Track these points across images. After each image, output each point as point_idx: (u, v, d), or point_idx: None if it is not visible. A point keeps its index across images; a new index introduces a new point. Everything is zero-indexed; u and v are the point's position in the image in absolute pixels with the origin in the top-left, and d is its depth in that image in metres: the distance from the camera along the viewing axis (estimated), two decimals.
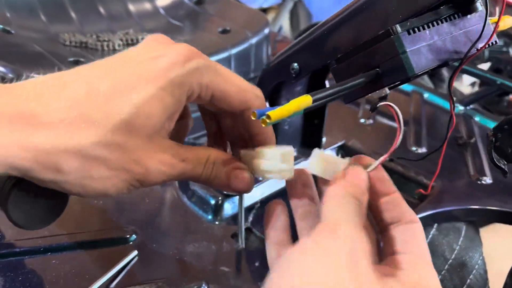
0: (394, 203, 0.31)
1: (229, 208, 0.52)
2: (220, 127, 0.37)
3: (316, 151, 0.34)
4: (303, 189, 0.35)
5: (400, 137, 0.32)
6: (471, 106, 0.81)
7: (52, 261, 0.43)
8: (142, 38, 0.83)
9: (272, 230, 0.35)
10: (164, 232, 0.49)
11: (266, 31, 0.87)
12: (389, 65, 0.35)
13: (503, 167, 0.40)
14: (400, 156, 0.58)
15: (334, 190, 0.29)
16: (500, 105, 1.32)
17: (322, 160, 0.33)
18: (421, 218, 0.51)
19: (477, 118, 0.79)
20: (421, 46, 0.35)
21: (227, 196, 0.52)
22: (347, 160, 0.33)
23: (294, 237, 0.35)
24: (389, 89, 0.37)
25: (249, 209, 0.53)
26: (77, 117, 0.26)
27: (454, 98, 0.43)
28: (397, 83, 0.36)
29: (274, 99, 0.53)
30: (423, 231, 0.30)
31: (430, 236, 0.51)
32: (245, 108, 0.33)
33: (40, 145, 0.26)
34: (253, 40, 0.83)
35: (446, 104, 0.84)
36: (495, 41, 0.41)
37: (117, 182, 0.28)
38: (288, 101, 0.29)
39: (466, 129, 0.75)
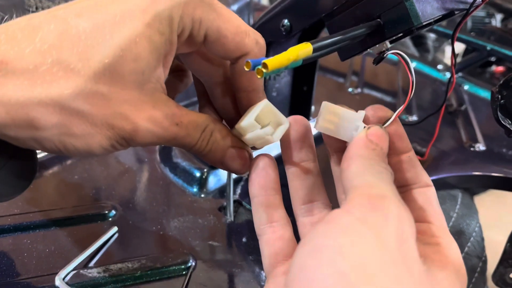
0: (411, 163, 0.27)
1: (214, 180, 0.49)
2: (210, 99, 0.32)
3: (324, 104, 0.28)
4: (300, 144, 0.30)
5: (413, 87, 0.29)
6: (460, 74, 0.79)
7: (24, 240, 0.40)
8: None
9: (261, 189, 0.29)
10: (145, 207, 0.45)
11: None
12: (392, 14, 0.32)
13: (508, 126, 0.37)
14: None
15: (359, 151, 0.24)
16: (483, 76, 1.31)
17: (334, 114, 0.28)
18: None
19: (466, 87, 0.77)
20: None
21: (213, 168, 0.49)
22: (362, 113, 0.29)
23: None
24: (390, 43, 0.34)
25: (237, 181, 0.50)
26: (54, 63, 0.22)
27: (458, 59, 0.40)
28: (399, 35, 0.33)
29: None
30: (436, 196, 0.27)
31: None
32: (241, 54, 0.28)
33: (13, 96, 0.22)
34: (234, 7, 0.78)
35: (433, 73, 0.82)
36: None
37: (100, 139, 0.24)
38: None
39: (456, 97, 0.73)
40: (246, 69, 0.26)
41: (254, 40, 0.28)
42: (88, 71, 0.22)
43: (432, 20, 0.34)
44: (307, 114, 0.58)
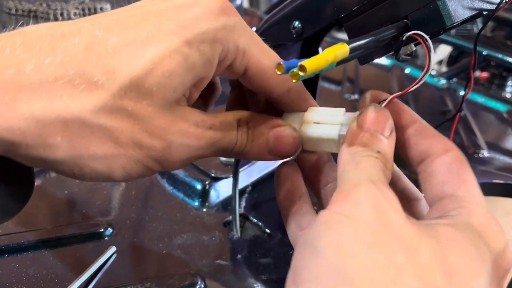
0: (421, 135, 0.25)
1: (217, 193, 0.46)
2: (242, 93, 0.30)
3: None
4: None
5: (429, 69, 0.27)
6: (455, 79, 0.79)
7: (11, 264, 0.35)
8: (101, 8, 0.74)
9: (286, 200, 0.28)
10: (144, 223, 0.42)
11: (238, 1, 0.80)
12: (421, 14, 0.30)
13: None
14: None
15: (343, 151, 0.23)
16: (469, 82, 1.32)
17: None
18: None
19: (462, 92, 0.76)
20: None
21: (215, 180, 0.46)
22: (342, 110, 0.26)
23: None
24: (415, 45, 0.32)
25: (240, 193, 0.47)
26: (76, 76, 0.20)
27: (443, 69, 0.39)
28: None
29: None
30: (465, 159, 0.23)
31: None
32: (283, 93, 0.26)
33: (27, 112, 0.19)
34: None
35: (428, 78, 0.81)
36: None
37: (126, 162, 0.21)
38: None
39: (452, 102, 0.72)
40: (278, 72, 0.23)
41: None
42: (113, 85, 0.20)
43: (461, 21, 0.32)
44: None
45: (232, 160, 0.48)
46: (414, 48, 0.32)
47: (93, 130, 0.20)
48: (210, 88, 0.28)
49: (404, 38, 0.30)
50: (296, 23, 0.39)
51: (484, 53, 0.74)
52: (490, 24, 1.52)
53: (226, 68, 0.24)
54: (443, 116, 0.68)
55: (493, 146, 0.59)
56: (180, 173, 0.46)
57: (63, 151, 0.20)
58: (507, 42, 1.17)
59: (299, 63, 0.22)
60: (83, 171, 0.21)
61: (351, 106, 0.68)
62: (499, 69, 1.28)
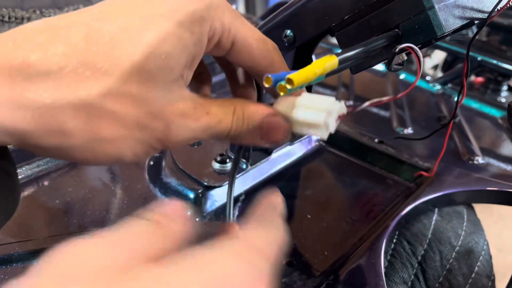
0: None
1: (210, 201, 0.45)
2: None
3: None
4: None
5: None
6: (450, 85, 0.79)
7: (0, 276, 0.35)
8: None
9: None
10: None
11: (233, 6, 0.80)
12: (412, 24, 0.30)
13: None
14: (398, 136, 0.53)
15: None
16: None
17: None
18: (423, 203, 0.47)
19: (457, 98, 0.76)
20: (448, 2, 0.30)
21: (208, 188, 0.45)
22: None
23: None
24: (406, 54, 0.32)
25: (234, 201, 0.46)
26: (80, 64, 0.21)
27: (439, 74, 0.39)
28: (418, 46, 0.31)
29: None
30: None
31: (433, 222, 0.46)
32: (267, 65, 0.27)
33: (38, 100, 0.20)
34: None
35: (423, 84, 0.81)
36: None
37: (133, 143, 0.23)
38: None
39: (447, 108, 0.72)
40: (266, 85, 0.23)
41: (275, 49, 0.27)
42: (116, 70, 0.21)
43: (452, 30, 0.32)
44: None
45: (226, 168, 0.48)
46: (405, 58, 0.32)
47: (101, 114, 0.21)
48: (203, 77, 0.30)
49: (396, 50, 0.30)
50: (288, 32, 0.38)
51: (479, 58, 0.74)
52: (485, 29, 1.53)
53: (214, 46, 0.25)
54: (438, 122, 0.68)
55: (488, 153, 0.59)
56: (172, 181, 0.46)
57: (76, 137, 0.21)
58: (502, 47, 1.17)
59: (286, 76, 0.22)
60: (95, 155, 0.22)
61: (350, 114, 0.68)
62: (494, 74, 1.28)
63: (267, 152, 0.51)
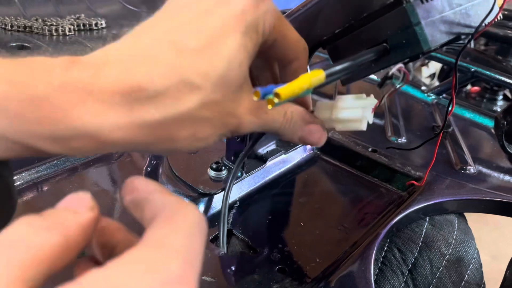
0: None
1: (204, 208, 0.46)
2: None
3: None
4: None
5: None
6: (444, 95, 0.80)
7: None
8: (96, 24, 0.75)
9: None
10: None
11: None
12: (399, 38, 0.31)
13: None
14: (389, 146, 0.54)
15: None
16: (459, 96, 1.33)
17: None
18: (414, 212, 0.48)
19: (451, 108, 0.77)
20: (435, 17, 0.31)
21: (203, 195, 0.46)
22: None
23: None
24: (398, 71, 0.33)
25: (228, 208, 0.47)
26: (179, 82, 0.24)
27: (434, 80, 0.40)
28: (405, 60, 0.32)
29: None
30: None
31: (424, 230, 0.47)
32: (294, 59, 0.32)
33: (151, 119, 0.24)
34: None
35: (418, 94, 0.82)
36: (500, 17, 0.38)
37: (216, 137, 0.28)
38: None
39: (442, 118, 0.73)
40: (255, 98, 0.24)
41: (304, 48, 0.32)
42: (207, 83, 0.25)
43: (439, 45, 0.33)
44: None
45: (222, 176, 0.49)
46: (394, 71, 0.33)
47: (198, 121, 0.26)
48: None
49: (390, 74, 0.31)
50: None
51: (472, 69, 0.75)
52: (482, 39, 1.54)
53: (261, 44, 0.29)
54: (432, 131, 0.69)
55: (480, 162, 0.60)
56: (168, 188, 0.47)
57: (181, 142, 0.26)
58: (498, 57, 1.18)
59: (274, 90, 0.23)
60: (189, 149, 0.27)
61: None
62: (490, 83, 1.29)
63: (262, 160, 0.52)
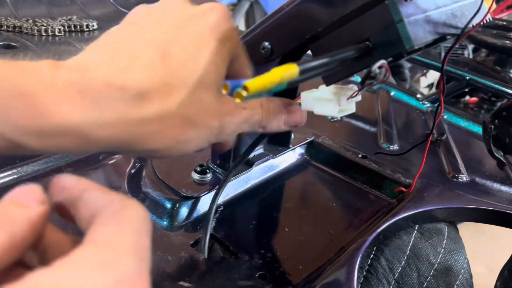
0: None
1: (187, 212, 0.45)
2: None
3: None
4: None
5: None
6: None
7: None
8: (87, 25, 0.74)
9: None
10: None
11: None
12: (382, 37, 0.30)
13: (501, 158, 0.35)
14: (377, 151, 0.53)
15: None
16: (457, 106, 1.32)
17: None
18: (403, 219, 0.47)
19: (446, 116, 0.76)
20: (418, 16, 0.30)
21: (186, 199, 0.45)
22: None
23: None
24: (379, 68, 0.32)
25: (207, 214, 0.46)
26: (161, 84, 0.26)
27: (432, 90, 0.39)
28: (389, 59, 0.31)
29: None
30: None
31: (412, 239, 0.46)
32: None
33: (137, 118, 0.26)
34: None
35: (412, 101, 0.81)
36: (489, 19, 0.37)
37: (199, 141, 0.29)
38: None
39: (436, 126, 0.72)
40: (224, 92, 0.23)
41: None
42: (186, 86, 0.27)
43: (423, 45, 0.32)
44: (287, 142, 0.55)
45: (206, 179, 0.48)
46: (377, 71, 0.32)
47: (179, 121, 0.27)
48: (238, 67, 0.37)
49: (372, 73, 0.30)
50: (266, 44, 0.39)
51: (467, 77, 0.74)
52: (483, 50, 1.53)
53: None
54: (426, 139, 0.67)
55: (473, 171, 0.59)
56: (150, 191, 0.46)
57: (161, 142, 0.27)
58: (497, 68, 1.18)
59: (242, 83, 0.22)
60: (171, 153, 0.29)
61: (333, 127, 0.68)
62: (488, 94, 1.28)
63: (249, 164, 0.51)
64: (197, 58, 0.27)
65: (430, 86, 1.48)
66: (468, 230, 0.67)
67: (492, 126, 0.34)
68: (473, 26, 0.35)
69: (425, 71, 1.44)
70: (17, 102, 0.22)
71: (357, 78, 0.84)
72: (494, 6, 0.41)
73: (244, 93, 0.22)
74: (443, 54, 1.44)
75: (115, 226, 0.18)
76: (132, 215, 0.19)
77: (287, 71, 0.23)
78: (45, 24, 0.70)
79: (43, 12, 0.77)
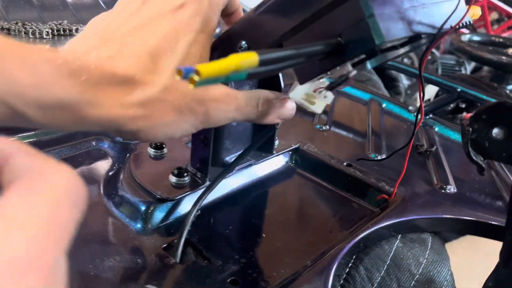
0: None
1: (162, 215, 0.44)
2: None
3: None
4: None
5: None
6: (431, 115, 0.78)
7: None
8: (77, 29, 0.74)
9: None
10: (78, 244, 0.40)
11: (218, 30, 0.80)
12: (353, 32, 0.29)
13: (480, 163, 0.34)
14: (360, 158, 0.52)
15: None
16: (454, 123, 1.31)
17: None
18: (385, 228, 0.45)
19: (437, 128, 0.75)
20: (391, 12, 0.29)
21: (161, 201, 0.44)
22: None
23: None
24: (353, 66, 0.31)
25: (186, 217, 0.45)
26: (144, 70, 0.29)
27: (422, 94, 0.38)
28: (362, 57, 0.30)
29: None
30: None
31: (394, 248, 0.44)
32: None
33: (124, 100, 0.28)
34: None
35: (404, 113, 0.80)
36: (469, 21, 0.36)
37: (183, 124, 0.31)
38: None
39: (427, 138, 0.71)
40: (177, 78, 0.22)
41: None
42: (167, 71, 0.29)
43: (397, 42, 0.31)
44: (270, 148, 0.54)
45: (184, 182, 0.46)
46: (350, 69, 0.31)
47: (164, 105, 0.29)
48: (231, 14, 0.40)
49: (343, 77, 0.30)
50: (243, 43, 0.38)
51: (458, 89, 0.73)
52: (480, 66, 1.53)
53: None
54: (415, 150, 0.66)
55: (461, 183, 0.57)
56: (126, 193, 0.45)
57: (151, 124, 0.29)
58: (493, 84, 1.17)
59: (195, 67, 0.21)
60: (156, 135, 0.31)
61: (321, 137, 0.67)
62: None
63: (229, 169, 0.50)
64: (174, 47, 0.30)
65: (427, 102, 1.47)
66: (463, 248, 0.66)
67: (470, 129, 0.32)
68: (451, 27, 0.34)
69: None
70: (23, 70, 0.24)
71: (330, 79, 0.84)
72: (479, 12, 0.40)
73: (196, 78, 0.21)
74: (440, 71, 1.44)
75: (20, 196, 0.15)
76: (49, 182, 0.16)
77: (246, 59, 0.22)
78: (34, 27, 0.70)
79: (34, 16, 0.77)
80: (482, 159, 0.35)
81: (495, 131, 0.34)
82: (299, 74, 0.33)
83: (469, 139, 0.33)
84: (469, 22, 0.36)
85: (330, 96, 0.37)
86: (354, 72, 0.32)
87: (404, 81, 2.18)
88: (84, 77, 0.26)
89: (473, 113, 0.34)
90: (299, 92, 0.37)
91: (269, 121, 0.36)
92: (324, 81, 0.37)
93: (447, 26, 0.34)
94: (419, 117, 0.40)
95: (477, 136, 0.34)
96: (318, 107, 0.37)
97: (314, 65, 0.31)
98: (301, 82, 0.33)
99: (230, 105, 0.33)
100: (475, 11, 0.41)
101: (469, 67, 1.51)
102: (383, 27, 0.28)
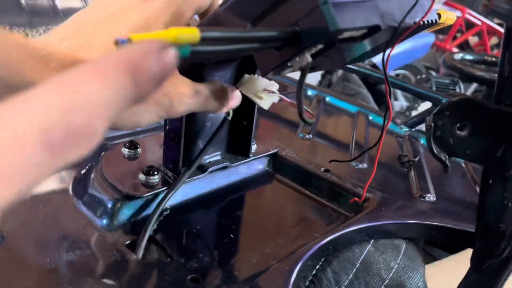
0: None
1: (128, 213, 0.43)
2: None
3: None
4: None
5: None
6: (417, 127, 0.77)
7: None
8: None
9: None
10: (40, 239, 0.39)
11: None
12: (308, 21, 0.29)
13: (444, 160, 0.33)
14: (332, 160, 0.51)
15: None
16: None
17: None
18: (356, 231, 0.44)
19: (422, 141, 0.74)
20: (347, 1, 0.29)
21: (128, 198, 0.43)
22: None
23: None
24: (313, 57, 0.31)
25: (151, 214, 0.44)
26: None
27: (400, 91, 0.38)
28: (319, 46, 0.30)
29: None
30: None
31: (365, 252, 0.43)
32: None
33: None
34: None
35: (391, 126, 0.80)
36: (435, 20, 0.36)
37: (149, 114, 0.32)
38: None
39: (411, 149, 0.70)
40: (115, 48, 0.22)
41: None
42: None
43: (356, 33, 0.31)
44: (246, 151, 0.53)
45: (153, 181, 0.46)
46: (309, 60, 0.31)
47: None
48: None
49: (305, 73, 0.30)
50: None
51: (443, 101, 0.73)
52: (475, 84, 1.53)
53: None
54: (398, 159, 0.66)
55: (442, 192, 0.56)
56: (93, 189, 0.44)
57: None
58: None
59: (128, 37, 0.21)
60: (124, 123, 0.32)
61: (303, 145, 0.66)
62: None
63: (202, 170, 0.49)
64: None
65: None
66: (453, 266, 0.65)
67: (432, 125, 0.32)
68: (414, 22, 0.34)
69: (416, 104, 1.44)
70: None
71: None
72: (454, 17, 0.40)
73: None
74: (434, 88, 1.44)
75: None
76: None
77: (185, 33, 0.22)
78: (21, 32, 0.70)
79: (23, 22, 0.78)
80: (447, 156, 0.34)
81: (459, 128, 0.34)
82: (260, 64, 0.32)
83: (431, 134, 0.33)
84: (435, 20, 0.36)
85: (276, 96, 0.40)
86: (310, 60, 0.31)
87: (403, 102, 2.19)
88: (53, 64, 0.27)
89: (436, 109, 0.33)
90: (248, 87, 0.40)
91: (221, 111, 0.38)
92: (273, 83, 0.40)
93: (410, 21, 0.33)
94: (387, 116, 0.39)
95: (441, 133, 0.34)
96: (265, 102, 0.39)
97: (273, 54, 0.31)
98: (263, 73, 0.33)
99: (192, 98, 0.35)
100: (449, 16, 0.41)
101: (470, 89, 1.51)
102: (338, 15, 0.28)
